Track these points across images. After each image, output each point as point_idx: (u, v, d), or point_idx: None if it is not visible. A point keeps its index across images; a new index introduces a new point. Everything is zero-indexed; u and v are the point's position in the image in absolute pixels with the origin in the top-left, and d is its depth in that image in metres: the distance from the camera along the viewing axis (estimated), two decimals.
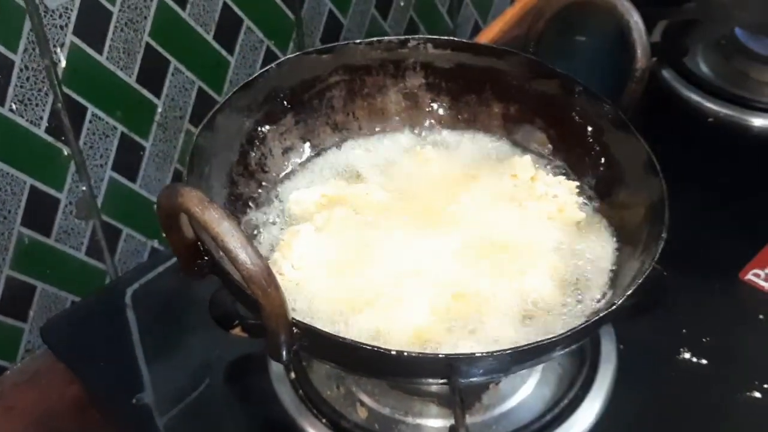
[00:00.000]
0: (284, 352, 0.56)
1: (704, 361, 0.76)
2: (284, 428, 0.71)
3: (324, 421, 0.70)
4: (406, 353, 0.56)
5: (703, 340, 0.77)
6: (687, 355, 0.76)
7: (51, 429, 0.85)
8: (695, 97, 1.02)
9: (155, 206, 0.57)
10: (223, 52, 0.94)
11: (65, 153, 0.84)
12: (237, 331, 0.73)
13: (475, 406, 0.71)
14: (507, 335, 0.63)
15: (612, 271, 0.69)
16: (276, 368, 0.74)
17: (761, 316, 0.80)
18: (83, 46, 0.80)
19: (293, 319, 0.55)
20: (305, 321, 0.57)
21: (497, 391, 0.73)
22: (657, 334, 0.77)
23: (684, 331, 0.78)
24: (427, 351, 0.61)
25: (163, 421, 0.74)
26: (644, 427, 0.72)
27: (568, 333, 0.57)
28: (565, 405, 0.71)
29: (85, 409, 0.86)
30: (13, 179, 0.81)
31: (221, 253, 0.51)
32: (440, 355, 0.57)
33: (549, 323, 0.65)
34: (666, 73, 1.03)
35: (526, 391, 0.73)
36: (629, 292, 0.59)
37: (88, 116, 0.84)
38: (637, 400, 0.73)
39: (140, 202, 0.94)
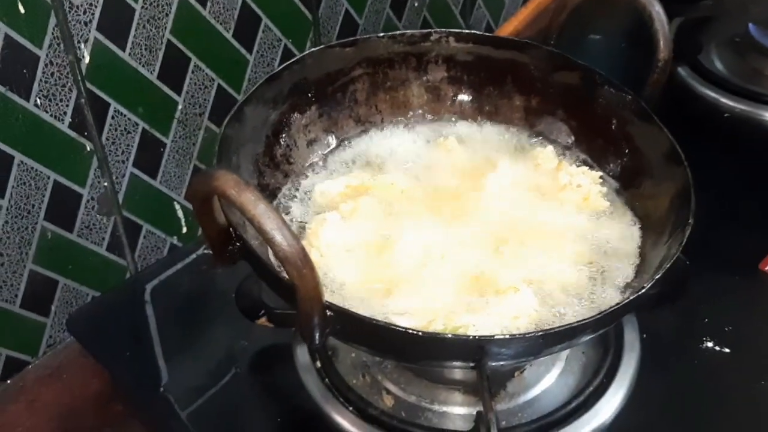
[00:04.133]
0: (317, 335, 0.56)
1: (727, 350, 0.76)
2: (311, 417, 0.71)
3: (351, 409, 0.71)
4: (437, 335, 0.56)
5: (726, 329, 0.78)
6: (710, 344, 0.76)
7: (73, 423, 0.85)
8: (711, 94, 1.02)
9: (187, 192, 0.57)
10: (242, 50, 0.95)
11: (88, 148, 0.85)
12: (262, 321, 0.74)
13: (500, 393, 0.72)
14: (531, 321, 0.64)
15: (637, 259, 0.69)
16: (302, 358, 0.74)
17: None
18: (106, 42, 0.81)
19: (327, 302, 0.55)
20: None
21: (522, 380, 0.73)
22: (679, 324, 0.78)
23: (706, 320, 0.78)
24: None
25: (188, 411, 0.74)
26: (668, 414, 0.72)
27: (599, 316, 0.57)
28: (589, 393, 0.72)
29: (107, 404, 0.86)
30: (37, 174, 0.81)
31: (258, 234, 0.52)
32: (471, 337, 0.57)
33: (574, 310, 0.65)
34: (681, 71, 1.04)
35: (550, 380, 0.74)
36: (658, 276, 0.59)
37: (111, 112, 0.85)
38: (660, 388, 0.74)
39: (160, 198, 0.94)
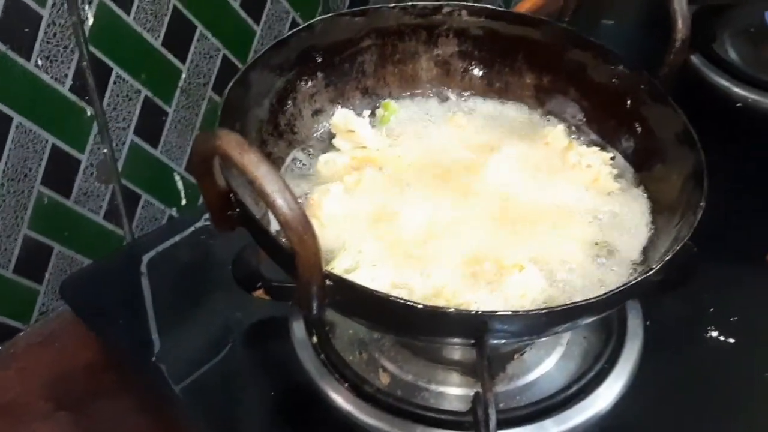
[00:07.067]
0: (315, 305, 0.55)
1: (732, 340, 0.75)
2: (306, 392, 0.70)
3: (346, 385, 0.69)
4: (438, 309, 0.55)
5: (731, 319, 0.77)
6: (714, 334, 0.75)
7: (64, 392, 0.84)
8: (724, 83, 1.01)
9: (191, 152, 0.56)
10: (249, 21, 0.94)
11: (88, 113, 0.84)
12: (259, 293, 0.73)
13: (499, 375, 0.71)
14: (537, 300, 0.62)
15: (646, 241, 0.68)
16: (298, 333, 0.73)
17: None
18: (111, 4, 0.80)
19: (326, 271, 0.54)
20: None
21: (521, 362, 0.72)
22: (684, 312, 0.77)
23: (711, 309, 0.77)
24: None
25: (181, 383, 0.73)
26: (669, 403, 0.71)
27: (605, 296, 0.56)
28: (590, 378, 0.70)
29: (99, 372, 0.85)
30: (35, 136, 0.80)
31: (259, 197, 0.50)
32: (473, 312, 0.56)
33: (580, 291, 0.64)
34: (695, 59, 1.03)
35: (550, 363, 0.73)
36: (668, 258, 0.58)
37: (113, 77, 0.84)
38: (663, 376, 0.72)
39: (160, 168, 0.93)
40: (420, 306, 0.54)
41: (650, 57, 0.75)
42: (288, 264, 0.54)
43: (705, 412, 0.71)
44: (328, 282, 0.54)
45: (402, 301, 0.54)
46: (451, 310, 0.55)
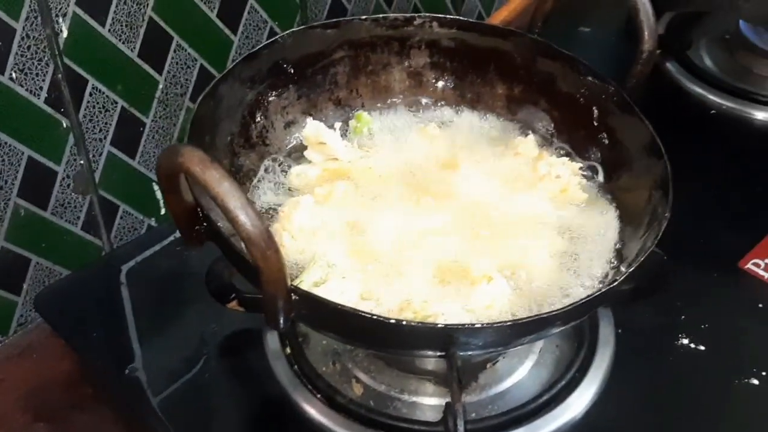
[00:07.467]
0: (282, 320, 0.55)
1: (702, 348, 0.75)
2: (279, 403, 0.70)
3: (319, 396, 0.70)
4: (405, 322, 0.55)
5: (702, 326, 0.77)
6: (685, 341, 0.76)
7: (42, 403, 0.84)
8: (698, 90, 1.02)
9: (156, 169, 0.56)
10: (227, 31, 0.94)
11: (64, 125, 0.84)
12: (233, 305, 0.73)
13: (471, 385, 0.71)
14: (504, 311, 0.63)
15: (614, 251, 0.69)
16: (272, 344, 0.73)
17: (760, 305, 0.80)
18: (85, 17, 0.80)
19: (292, 285, 0.54)
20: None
21: (494, 372, 0.72)
22: (656, 320, 0.77)
23: (683, 317, 0.78)
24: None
25: (157, 396, 0.73)
26: (641, 410, 0.72)
27: (569, 307, 0.56)
28: (561, 386, 0.71)
29: (76, 384, 0.85)
30: (10, 149, 0.80)
31: (221, 213, 0.50)
32: (439, 325, 0.56)
33: (548, 301, 0.64)
34: (670, 66, 1.04)
35: (523, 372, 0.73)
36: (631, 270, 0.58)
37: (89, 89, 0.84)
38: (634, 383, 0.73)
39: (138, 178, 0.93)
40: (385, 320, 0.54)
41: (627, 63, 0.75)
42: (255, 278, 0.54)
43: (676, 420, 0.72)
44: (294, 296, 0.55)
45: (368, 315, 0.55)
46: (417, 323, 0.56)
